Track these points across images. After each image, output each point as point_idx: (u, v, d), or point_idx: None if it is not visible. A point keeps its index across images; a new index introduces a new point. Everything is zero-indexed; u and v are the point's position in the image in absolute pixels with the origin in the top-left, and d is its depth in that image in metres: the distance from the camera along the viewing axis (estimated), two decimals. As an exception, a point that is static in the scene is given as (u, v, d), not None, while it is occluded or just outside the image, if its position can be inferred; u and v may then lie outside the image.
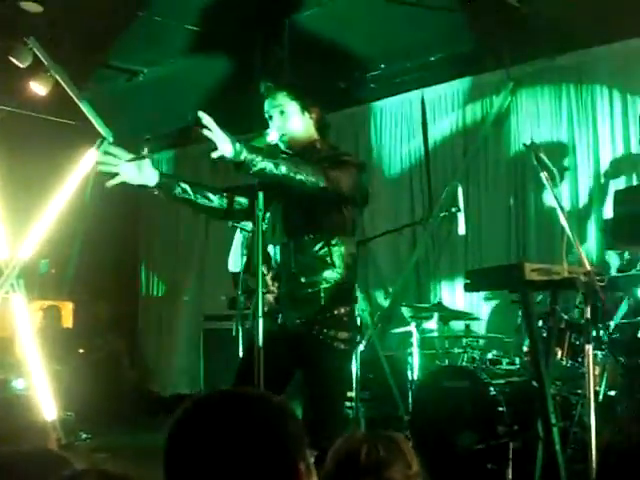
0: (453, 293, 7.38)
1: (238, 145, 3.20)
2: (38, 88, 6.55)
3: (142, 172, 3.54)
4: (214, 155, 3.22)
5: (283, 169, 3.30)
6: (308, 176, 3.37)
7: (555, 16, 6.23)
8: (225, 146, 3.18)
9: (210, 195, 3.76)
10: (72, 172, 6.09)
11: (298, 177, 3.34)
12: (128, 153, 3.52)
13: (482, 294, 7.02)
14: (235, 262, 6.03)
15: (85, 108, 6.23)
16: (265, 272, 3.63)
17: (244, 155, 3.21)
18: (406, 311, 6.78)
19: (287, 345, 3.58)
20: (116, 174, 3.49)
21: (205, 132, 3.17)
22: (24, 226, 6.19)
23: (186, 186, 3.69)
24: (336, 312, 3.59)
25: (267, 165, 3.26)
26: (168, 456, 1.44)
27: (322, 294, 3.58)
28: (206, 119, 3.18)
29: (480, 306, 7.11)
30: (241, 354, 5.36)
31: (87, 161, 6.04)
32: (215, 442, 1.40)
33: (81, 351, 9.03)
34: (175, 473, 1.42)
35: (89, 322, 9.51)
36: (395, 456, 2.16)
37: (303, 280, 3.61)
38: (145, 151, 3.56)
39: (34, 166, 8.28)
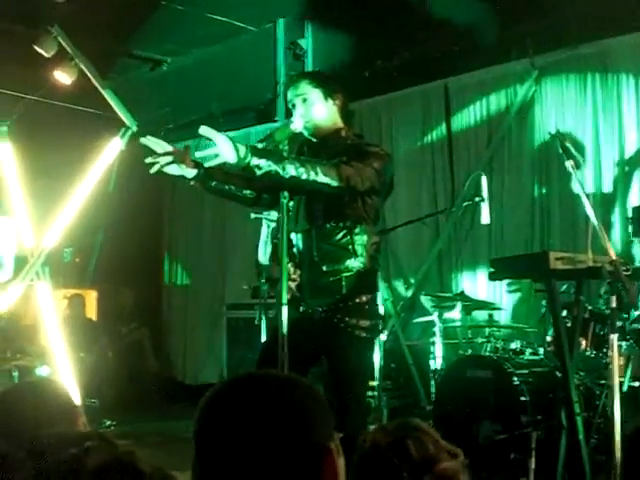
0: (475, 283, 7.36)
1: (243, 150, 3.19)
2: (63, 77, 6.57)
3: (182, 164, 3.54)
4: (215, 162, 3.23)
5: (291, 171, 3.27)
6: (319, 176, 3.33)
7: (579, 4, 6.19)
8: (228, 152, 3.19)
9: (240, 184, 3.77)
10: (96, 161, 6.13)
11: (308, 178, 3.31)
12: (169, 145, 3.54)
13: (505, 284, 7.00)
14: (264, 253, 6.04)
15: (109, 97, 6.25)
16: (287, 260, 3.64)
17: (249, 159, 3.20)
18: (428, 301, 6.76)
19: (309, 332, 3.58)
20: (155, 163, 3.50)
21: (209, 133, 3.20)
22: (49, 215, 6.24)
23: (220, 178, 3.70)
24: (358, 300, 3.59)
25: (273, 168, 3.24)
26: (198, 437, 1.45)
27: (343, 282, 3.59)
28: (204, 130, 3.19)
29: (502, 296, 7.09)
30: (263, 342, 5.39)
31: (111, 150, 6.10)
32: (245, 424, 1.40)
33: (105, 339, 9.09)
34: (205, 454, 1.43)
35: (113, 311, 9.57)
36: (441, 449, 2.13)
37: (325, 268, 3.61)
38: (185, 146, 3.58)
39: (58, 155, 8.33)
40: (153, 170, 3.49)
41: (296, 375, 1.60)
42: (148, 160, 3.46)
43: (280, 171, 3.25)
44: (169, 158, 3.47)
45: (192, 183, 3.63)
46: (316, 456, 1.42)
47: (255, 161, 3.21)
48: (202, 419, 1.45)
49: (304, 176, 3.30)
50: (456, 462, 2.08)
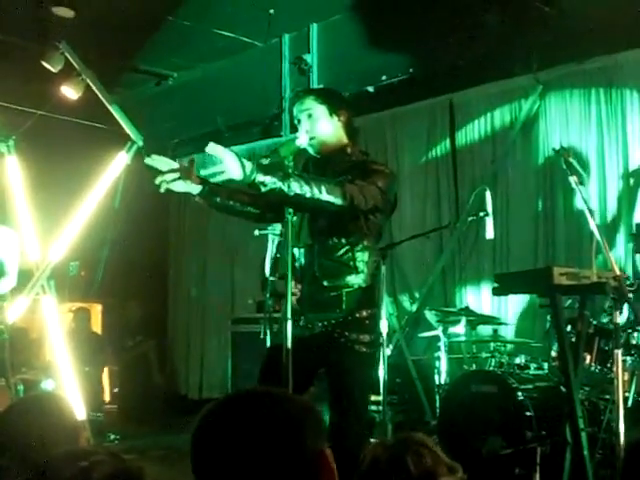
0: (479, 298, 7.36)
1: (249, 167, 3.20)
2: (69, 92, 6.60)
3: (188, 179, 3.53)
4: (221, 178, 3.25)
5: (296, 189, 3.28)
6: (323, 195, 3.34)
7: (584, 19, 6.20)
8: (234, 169, 3.20)
9: (245, 200, 3.77)
10: (102, 175, 6.15)
11: (312, 196, 3.32)
12: (174, 162, 3.55)
13: (509, 299, 7.00)
14: (270, 267, 6.04)
15: (115, 112, 6.28)
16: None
17: (254, 176, 3.21)
18: (433, 315, 6.76)
19: (309, 347, 3.59)
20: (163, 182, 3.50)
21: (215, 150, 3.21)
22: (54, 228, 6.26)
23: (225, 195, 3.71)
24: (358, 315, 3.60)
25: (278, 185, 3.25)
26: (194, 454, 1.47)
27: (344, 298, 3.60)
28: (211, 148, 3.21)
29: (507, 311, 7.08)
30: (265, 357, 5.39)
31: (117, 164, 6.12)
32: (238, 438, 1.43)
33: (110, 353, 9.10)
34: (202, 470, 1.45)
35: (118, 324, 9.58)
36: (440, 463, 2.13)
37: (325, 284, 3.63)
38: (189, 160, 3.57)
39: (65, 169, 8.37)
40: (162, 189, 3.49)
41: (290, 392, 1.63)
42: (157, 180, 3.46)
43: (285, 189, 3.26)
44: (175, 175, 3.48)
45: (197, 199, 3.64)
46: (312, 460, 1.44)
47: (260, 178, 3.22)
48: (197, 436, 1.48)
49: (308, 194, 3.31)
50: (454, 477, 2.09)
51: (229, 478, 1.42)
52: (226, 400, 1.54)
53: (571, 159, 4.01)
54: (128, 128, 6.22)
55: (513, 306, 7.07)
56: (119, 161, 6.14)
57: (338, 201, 3.38)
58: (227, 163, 3.21)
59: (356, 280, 3.61)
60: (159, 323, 10.33)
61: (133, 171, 6.26)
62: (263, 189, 3.25)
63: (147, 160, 3.52)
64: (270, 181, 3.24)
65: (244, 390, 1.59)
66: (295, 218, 3.60)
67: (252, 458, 1.40)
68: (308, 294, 3.67)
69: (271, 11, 7.24)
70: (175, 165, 3.52)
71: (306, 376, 3.66)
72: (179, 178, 3.48)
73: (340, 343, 3.57)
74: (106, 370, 8.92)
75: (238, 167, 3.19)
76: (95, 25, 7.02)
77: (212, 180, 3.60)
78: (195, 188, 3.57)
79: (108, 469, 1.54)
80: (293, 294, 3.66)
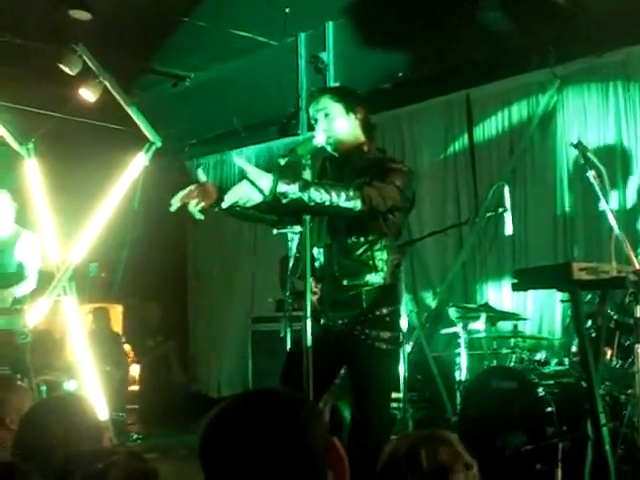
0: (500, 293, 7.34)
1: (273, 179, 3.21)
2: (87, 94, 6.64)
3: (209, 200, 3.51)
4: (247, 204, 3.26)
5: (316, 198, 3.29)
6: (342, 202, 3.34)
7: (601, 13, 6.17)
8: (264, 182, 3.21)
9: (264, 208, 3.77)
10: (121, 177, 6.19)
11: (332, 204, 3.32)
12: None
13: (530, 295, 6.98)
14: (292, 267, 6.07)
15: (133, 113, 6.31)
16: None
17: (278, 188, 3.21)
18: (453, 312, 6.75)
19: (331, 345, 3.60)
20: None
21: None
22: (74, 230, 6.30)
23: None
24: (378, 313, 3.61)
25: (299, 195, 3.26)
26: (203, 454, 1.53)
27: (364, 296, 3.61)
28: (240, 162, 3.23)
29: (527, 307, 7.06)
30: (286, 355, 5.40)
31: (136, 165, 6.16)
32: (243, 439, 1.46)
33: (132, 353, 9.16)
34: (212, 470, 1.48)
35: (139, 325, 9.63)
36: (456, 459, 2.15)
37: (345, 283, 3.64)
38: (201, 174, 3.57)
39: (84, 171, 8.42)
40: (173, 208, 3.49)
41: (295, 393, 1.67)
42: (176, 201, 3.47)
43: (305, 198, 3.27)
44: (197, 199, 3.47)
45: (216, 209, 3.65)
46: (320, 454, 1.47)
47: (282, 188, 3.22)
48: (205, 436, 1.51)
49: (328, 202, 3.31)
50: (469, 474, 2.10)
51: (236, 475, 1.44)
52: (233, 401, 1.58)
53: (589, 153, 4.00)
54: (146, 129, 6.26)
55: (534, 301, 7.05)
56: (137, 162, 6.18)
57: (357, 206, 3.39)
58: (255, 176, 3.22)
59: (376, 279, 3.61)
60: (179, 323, 10.36)
61: (151, 172, 6.30)
62: (284, 200, 3.26)
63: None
64: (291, 192, 3.24)
65: (251, 390, 1.65)
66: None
67: (258, 456, 1.43)
68: (328, 293, 3.69)
69: (287, 10, 7.25)
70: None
71: (328, 374, 3.69)
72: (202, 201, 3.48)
73: (361, 340, 3.58)
74: (127, 370, 8.97)
75: (267, 179, 3.21)
76: (112, 27, 7.06)
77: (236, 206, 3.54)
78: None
79: (122, 472, 1.58)
80: (314, 293, 3.68)
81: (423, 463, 2.08)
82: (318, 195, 3.29)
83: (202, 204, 3.46)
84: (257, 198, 3.25)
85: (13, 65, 7.58)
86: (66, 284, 6.14)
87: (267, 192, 3.21)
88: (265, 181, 3.22)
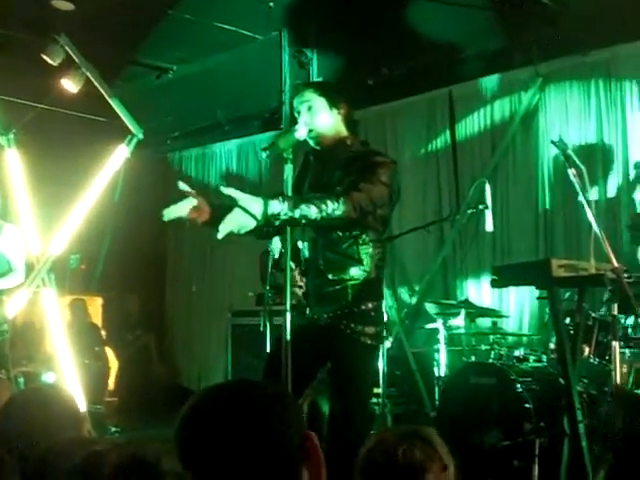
0: (480, 290, 7.37)
1: (263, 203, 3.22)
2: (69, 85, 6.59)
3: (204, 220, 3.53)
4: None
5: (307, 215, 3.29)
6: (332, 213, 3.34)
7: (584, 12, 6.20)
8: (255, 207, 3.21)
9: (256, 231, 3.74)
10: (102, 168, 6.16)
11: (322, 217, 3.32)
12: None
13: (510, 291, 7.01)
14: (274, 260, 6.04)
15: (115, 105, 6.28)
16: (293, 267, 3.65)
17: (269, 211, 3.21)
18: (433, 308, 6.77)
19: (315, 339, 3.61)
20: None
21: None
22: (55, 222, 6.26)
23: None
24: (363, 307, 3.61)
25: (289, 216, 3.26)
26: (180, 446, 1.53)
27: (349, 290, 3.61)
28: (229, 191, 3.21)
29: (507, 303, 7.09)
30: (269, 349, 5.41)
31: (117, 157, 6.12)
32: (218, 431, 1.47)
33: (110, 346, 9.12)
34: (190, 462, 1.48)
35: (118, 317, 9.60)
36: (432, 458, 2.15)
37: (330, 277, 3.64)
38: (183, 185, 3.53)
39: (65, 162, 8.37)
40: (166, 218, 3.47)
41: (268, 382, 1.67)
42: (168, 212, 3.45)
43: (296, 216, 3.28)
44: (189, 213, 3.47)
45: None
46: (296, 447, 1.49)
47: (274, 209, 3.22)
48: (182, 427, 1.52)
49: (319, 217, 3.32)
50: (445, 473, 2.11)
51: (212, 465, 1.45)
52: (209, 391, 1.60)
53: (569, 151, 4.02)
54: (128, 121, 6.22)
55: (514, 298, 7.08)
56: (119, 154, 6.15)
57: (348, 215, 3.40)
58: (246, 202, 3.21)
59: (361, 273, 3.61)
60: (159, 316, 10.35)
61: (133, 164, 6.27)
62: (276, 222, 3.28)
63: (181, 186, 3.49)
64: (282, 213, 3.25)
65: (228, 381, 1.65)
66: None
67: (233, 447, 1.44)
68: (313, 287, 3.69)
69: (271, 4, 7.23)
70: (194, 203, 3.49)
71: (311, 367, 3.70)
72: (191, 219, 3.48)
73: (346, 335, 3.58)
74: (106, 363, 8.94)
75: (258, 203, 3.20)
76: (95, 18, 7.00)
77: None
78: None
79: (122, 456, 1.58)
80: (299, 287, 3.68)
81: (399, 461, 2.09)
82: (308, 211, 3.29)
83: (197, 222, 3.47)
84: (251, 224, 3.24)
85: (-5, 55, 7.52)
86: (45, 276, 6.10)
87: (260, 217, 3.21)
88: (256, 206, 3.21)
